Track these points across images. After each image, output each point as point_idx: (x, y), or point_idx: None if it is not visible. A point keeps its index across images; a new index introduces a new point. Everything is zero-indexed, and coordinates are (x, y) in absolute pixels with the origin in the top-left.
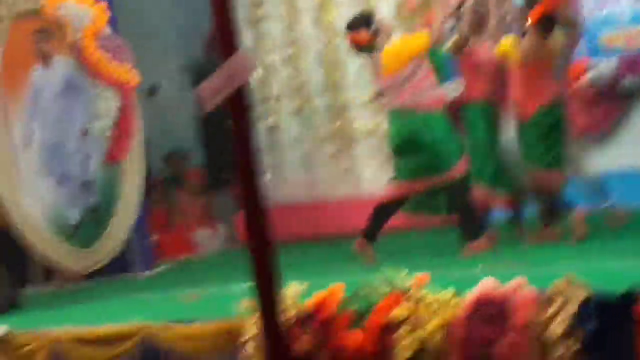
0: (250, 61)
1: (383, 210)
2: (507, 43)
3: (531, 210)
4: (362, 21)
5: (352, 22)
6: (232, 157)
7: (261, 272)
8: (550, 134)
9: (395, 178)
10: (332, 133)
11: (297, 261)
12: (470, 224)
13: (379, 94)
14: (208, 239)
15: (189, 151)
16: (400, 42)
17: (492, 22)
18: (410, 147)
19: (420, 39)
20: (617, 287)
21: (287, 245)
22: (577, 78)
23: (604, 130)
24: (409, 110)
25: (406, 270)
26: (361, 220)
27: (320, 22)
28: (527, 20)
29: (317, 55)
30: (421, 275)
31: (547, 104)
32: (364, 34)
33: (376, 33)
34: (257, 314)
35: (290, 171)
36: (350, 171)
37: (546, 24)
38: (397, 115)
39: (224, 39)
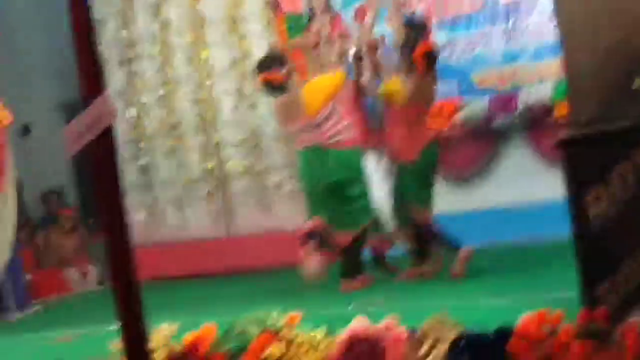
0: (113, 103)
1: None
2: (393, 83)
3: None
4: (275, 61)
5: (264, 61)
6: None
7: (127, 313)
8: (429, 173)
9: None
10: (206, 173)
11: (169, 301)
12: (351, 261)
13: (299, 132)
14: (81, 278)
15: (62, 191)
16: (320, 81)
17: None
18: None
19: (338, 77)
20: (491, 325)
21: (160, 285)
22: (450, 117)
23: (477, 169)
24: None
25: (277, 310)
26: (234, 259)
27: (193, 61)
28: (409, 59)
29: (190, 94)
30: (293, 314)
31: (427, 144)
32: (277, 74)
33: (290, 72)
34: (124, 355)
35: (164, 211)
36: (223, 211)
37: (430, 60)
38: (316, 153)
39: (88, 81)
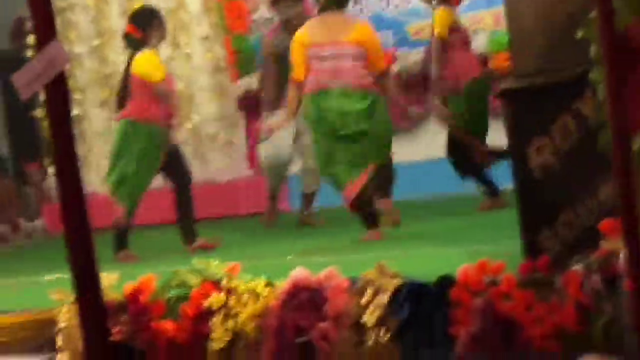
0: (65, 49)
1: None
2: None
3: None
4: (142, 17)
5: (133, 14)
6: (44, 146)
7: (81, 260)
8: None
9: None
10: None
11: (106, 251)
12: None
13: None
14: (10, 232)
15: None
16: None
17: None
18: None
19: None
20: (432, 275)
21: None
22: None
23: (413, 120)
24: None
25: (217, 260)
26: (169, 210)
27: (127, 12)
28: None
29: (124, 46)
30: (232, 265)
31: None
32: (137, 31)
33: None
34: (74, 303)
35: (97, 161)
36: None
37: None
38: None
39: (41, 26)
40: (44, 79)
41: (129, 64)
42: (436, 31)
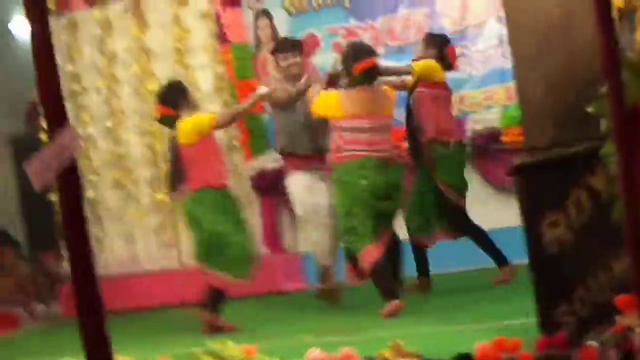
0: (77, 135)
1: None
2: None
3: None
4: (171, 94)
5: (161, 93)
6: (59, 231)
7: (94, 344)
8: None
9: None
10: (155, 204)
11: (120, 334)
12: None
13: None
14: (27, 315)
15: (6, 226)
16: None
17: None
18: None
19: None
20: (449, 353)
21: (112, 319)
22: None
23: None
24: None
25: (232, 342)
26: (183, 291)
27: (139, 93)
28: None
29: (137, 126)
30: (249, 346)
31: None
32: (169, 110)
33: (183, 108)
34: None
35: (113, 244)
36: (174, 243)
37: (368, 75)
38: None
39: (52, 113)
40: (57, 167)
41: (173, 142)
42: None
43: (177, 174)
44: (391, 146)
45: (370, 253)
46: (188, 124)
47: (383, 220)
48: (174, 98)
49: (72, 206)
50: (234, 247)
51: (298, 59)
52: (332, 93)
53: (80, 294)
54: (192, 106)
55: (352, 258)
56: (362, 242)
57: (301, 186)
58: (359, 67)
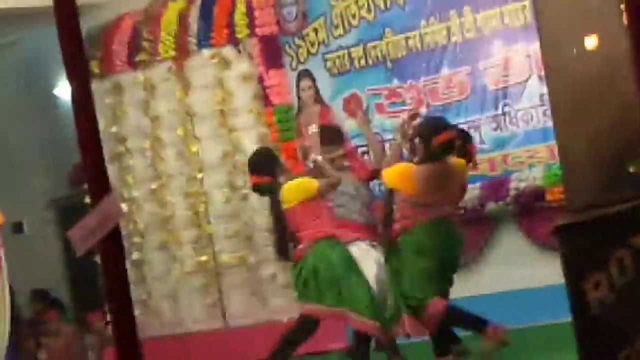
0: (120, 203)
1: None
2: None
3: None
4: (263, 163)
5: (253, 164)
6: (100, 294)
7: None
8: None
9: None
10: (199, 266)
11: None
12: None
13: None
14: None
15: (52, 289)
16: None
17: None
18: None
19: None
20: None
21: None
22: None
23: (470, 255)
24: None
25: None
26: (228, 353)
27: (183, 155)
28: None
29: (181, 188)
30: None
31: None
32: (265, 178)
33: (279, 173)
34: None
35: (158, 305)
36: (218, 304)
37: (446, 148)
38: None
39: (94, 179)
40: (99, 234)
41: (275, 208)
42: None
43: (284, 238)
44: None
45: (436, 304)
46: (293, 190)
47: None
48: (267, 165)
49: (114, 271)
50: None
51: (341, 151)
52: (406, 165)
53: (122, 356)
54: (285, 171)
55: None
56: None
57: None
58: (439, 139)
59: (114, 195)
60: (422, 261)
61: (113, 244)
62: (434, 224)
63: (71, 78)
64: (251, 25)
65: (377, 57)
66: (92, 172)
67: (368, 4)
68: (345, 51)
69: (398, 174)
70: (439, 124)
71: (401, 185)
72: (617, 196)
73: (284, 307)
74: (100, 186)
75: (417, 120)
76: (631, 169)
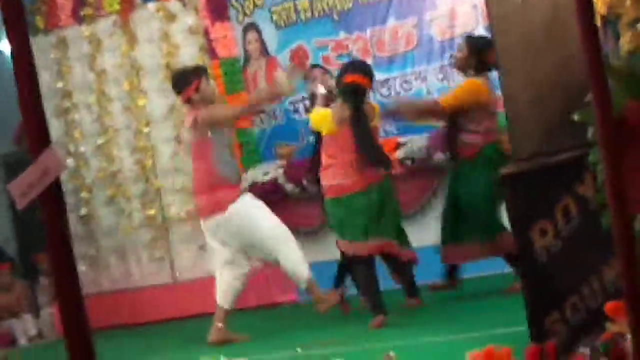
0: (60, 156)
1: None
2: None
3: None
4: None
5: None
6: (47, 249)
7: None
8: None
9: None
10: (147, 220)
11: (115, 350)
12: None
13: None
14: (24, 331)
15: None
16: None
17: None
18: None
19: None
20: None
21: (106, 335)
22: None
23: (418, 205)
24: None
25: (223, 357)
26: (177, 307)
27: (130, 109)
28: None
29: (128, 143)
30: None
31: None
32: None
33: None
34: None
35: (107, 260)
36: (167, 258)
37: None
38: None
39: (34, 133)
40: (39, 187)
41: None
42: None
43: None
44: None
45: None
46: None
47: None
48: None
49: (56, 225)
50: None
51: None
52: (325, 110)
53: (65, 312)
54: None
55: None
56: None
57: None
58: (343, 81)
59: (54, 148)
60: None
61: (54, 197)
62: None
63: (10, 36)
64: None
65: (323, 9)
66: (32, 128)
67: None
68: (291, 3)
69: (317, 117)
70: (351, 67)
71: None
72: (562, 145)
73: None
74: (41, 141)
75: None
76: (576, 118)
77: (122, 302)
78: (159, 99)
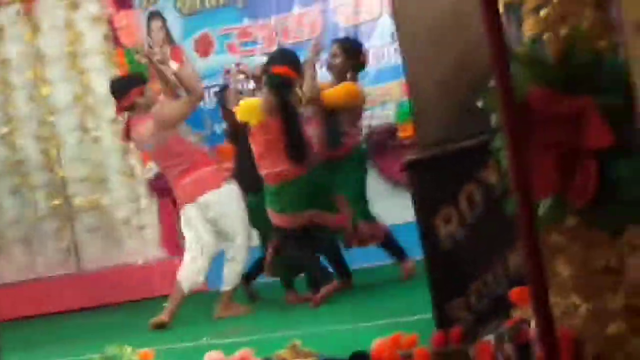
0: None
1: None
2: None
3: None
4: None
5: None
6: None
7: None
8: None
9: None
10: (52, 210)
11: (20, 342)
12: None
13: None
14: None
15: None
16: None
17: None
18: None
19: None
20: (345, 351)
21: (10, 326)
22: None
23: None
24: None
25: (129, 347)
26: (82, 297)
27: (34, 98)
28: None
29: (33, 132)
30: (146, 351)
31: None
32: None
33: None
34: None
35: (11, 250)
36: (72, 248)
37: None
38: None
39: None
40: None
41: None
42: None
43: None
44: None
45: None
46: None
47: None
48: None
49: None
50: None
51: None
52: (253, 100)
53: None
54: None
55: None
56: None
57: None
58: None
59: None
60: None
61: None
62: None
63: None
64: None
65: None
66: None
67: None
68: None
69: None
70: (275, 56)
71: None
72: (467, 131)
73: (138, 250)
74: None
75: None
76: (479, 104)
77: (27, 292)
78: (63, 87)
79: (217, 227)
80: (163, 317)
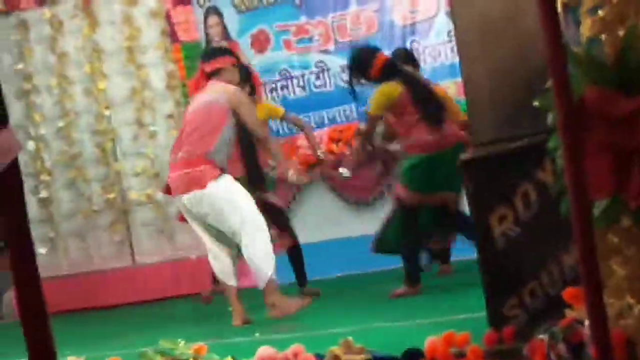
0: (16, 138)
1: None
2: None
3: None
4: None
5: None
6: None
7: (37, 347)
8: None
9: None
10: (107, 203)
11: (74, 333)
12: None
13: None
14: None
15: None
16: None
17: None
18: None
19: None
20: (398, 348)
21: (65, 318)
22: (350, 141)
23: (377, 191)
24: None
25: (183, 341)
26: (136, 291)
27: (91, 92)
28: None
29: (89, 126)
30: (199, 345)
31: None
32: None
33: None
34: None
35: (66, 243)
36: (126, 242)
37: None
38: None
39: None
40: None
41: None
42: None
43: None
44: None
45: None
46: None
47: None
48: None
49: (13, 208)
50: None
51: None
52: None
53: (23, 296)
54: None
55: None
56: None
57: None
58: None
59: (10, 129)
60: None
61: (12, 179)
62: None
63: None
64: None
65: None
66: None
67: None
68: None
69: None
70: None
71: None
72: (522, 131)
73: (191, 244)
74: None
75: None
76: (536, 104)
77: (82, 285)
78: (120, 81)
79: (207, 225)
80: (238, 321)
